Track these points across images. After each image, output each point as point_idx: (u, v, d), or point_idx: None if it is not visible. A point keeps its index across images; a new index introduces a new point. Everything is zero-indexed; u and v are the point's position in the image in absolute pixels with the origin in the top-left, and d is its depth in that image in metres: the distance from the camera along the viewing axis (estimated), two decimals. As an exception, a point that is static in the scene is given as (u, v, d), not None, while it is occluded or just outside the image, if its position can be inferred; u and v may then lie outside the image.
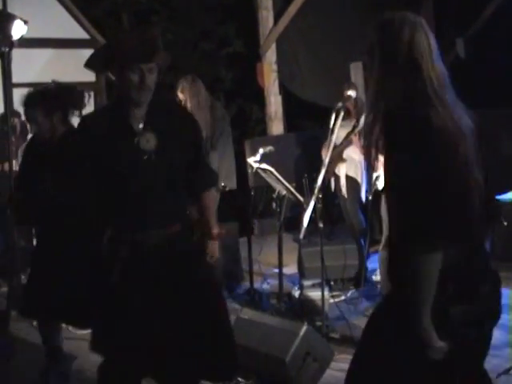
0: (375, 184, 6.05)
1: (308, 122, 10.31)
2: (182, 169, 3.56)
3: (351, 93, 6.61)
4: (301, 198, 5.48)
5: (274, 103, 8.91)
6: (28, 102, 4.51)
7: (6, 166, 6.87)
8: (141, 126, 3.44)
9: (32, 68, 7.04)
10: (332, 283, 6.45)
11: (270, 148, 5.71)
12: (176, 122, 3.58)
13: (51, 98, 4.51)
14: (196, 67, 10.59)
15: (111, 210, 3.52)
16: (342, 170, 6.36)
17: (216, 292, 3.80)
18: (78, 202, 3.71)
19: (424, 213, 2.34)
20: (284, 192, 5.58)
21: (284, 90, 9.04)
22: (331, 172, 6.99)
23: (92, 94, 8.62)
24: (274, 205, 5.64)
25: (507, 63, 10.04)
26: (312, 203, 4.92)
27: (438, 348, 2.44)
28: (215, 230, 3.79)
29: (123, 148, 3.44)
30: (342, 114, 5.38)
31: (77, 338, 5.13)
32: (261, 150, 5.66)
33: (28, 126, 6.99)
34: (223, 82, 10.49)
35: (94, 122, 3.59)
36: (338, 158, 6.74)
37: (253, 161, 5.59)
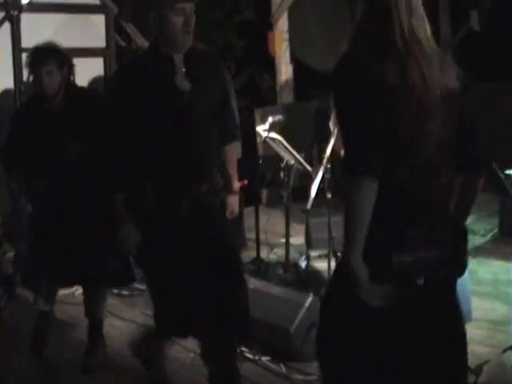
0: None
1: (318, 92, 10.22)
2: (213, 117, 3.54)
3: None
4: (309, 168, 5.44)
5: (285, 72, 8.83)
6: (39, 52, 4.35)
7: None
8: (183, 69, 3.39)
9: (42, 33, 6.93)
10: (339, 254, 6.41)
11: (279, 117, 5.66)
12: (208, 70, 3.55)
13: (61, 52, 4.41)
14: (206, 35, 10.52)
15: (151, 161, 3.45)
16: None
17: (236, 255, 3.85)
18: (116, 154, 3.58)
19: (356, 145, 2.29)
20: (292, 162, 5.54)
21: (295, 59, 8.96)
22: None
23: (101, 60, 8.57)
24: (282, 174, 5.59)
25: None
26: (320, 173, 4.88)
27: (371, 290, 2.31)
28: (236, 185, 3.79)
29: (166, 94, 3.40)
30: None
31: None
32: (270, 119, 5.60)
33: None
34: (234, 50, 10.41)
35: (133, 71, 3.53)
36: None
37: (262, 129, 5.54)
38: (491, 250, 6.60)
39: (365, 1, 2.49)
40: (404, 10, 2.42)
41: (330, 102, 6.73)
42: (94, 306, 4.71)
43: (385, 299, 2.35)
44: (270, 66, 9.30)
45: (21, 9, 5.96)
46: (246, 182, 5.46)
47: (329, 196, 5.17)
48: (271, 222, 7.03)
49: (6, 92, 7.48)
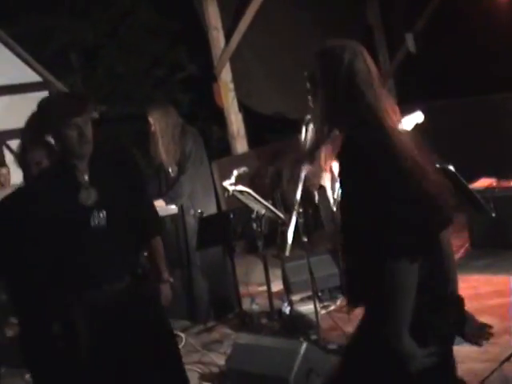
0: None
1: (270, 136, 10.34)
2: (126, 219, 3.63)
3: None
4: (281, 215, 5.47)
5: (235, 122, 8.87)
6: (32, 140, 4.01)
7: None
8: (86, 177, 3.53)
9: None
10: (320, 294, 6.43)
11: (244, 169, 5.68)
12: (116, 170, 3.67)
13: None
14: (150, 94, 10.57)
15: (59, 272, 3.51)
16: (327, 181, 6.18)
17: (172, 340, 3.92)
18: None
19: (400, 227, 2.39)
20: (263, 211, 5.56)
21: (243, 108, 9.03)
22: (317, 184, 6.93)
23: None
24: (254, 225, 5.61)
25: (455, 55, 10.19)
26: (294, 219, 4.90)
27: (421, 357, 2.44)
28: (166, 274, 3.91)
29: (66, 205, 3.51)
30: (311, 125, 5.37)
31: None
32: (235, 172, 5.63)
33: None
34: (181, 107, 10.46)
35: (36, 188, 3.62)
36: (319, 169, 6.68)
37: (228, 184, 5.56)
38: (465, 265, 6.66)
39: (327, 83, 2.60)
40: (369, 86, 2.56)
41: (284, 144, 6.81)
42: None
43: (430, 359, 2.54)
44: (219, 117, 9.36)
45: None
46: None
47: (305, 239, 5.18)
48: (247, 272, 7.02)
49: None
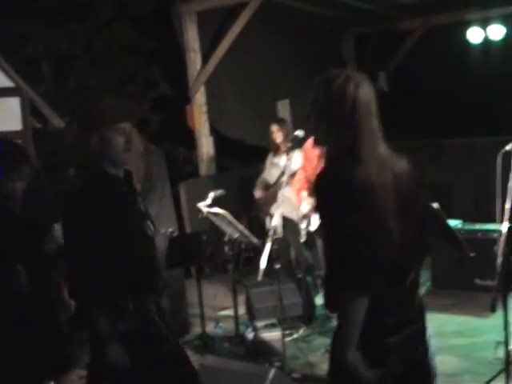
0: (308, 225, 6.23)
1: (236, 161, 10.36)
2: None
3: (282, 129, 6.88)
4: (255, 240, 5.47)
5: (206, 144, 8.88)
6: (15, 160, 4.00)
7: None
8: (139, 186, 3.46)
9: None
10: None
11: (220, 191, 5.68)
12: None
13: (26, 156, 4.14)
14: (119, 111, 10.46)
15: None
16: (277, 210, 6.18)
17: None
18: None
19: (348, 264, 2.51)
20: (236, 235, 5.56)
21: (214, 131, 9.04)
22: (266, 211, 7.01)
23: (20, 142, 8.44)
24: (226, 248, 5.61)
25: (427, 94, 10.39)
26: (269, 245, 4.93)
27: (369, 376, 2.56)
28: None
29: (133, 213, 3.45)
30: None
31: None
32: (211, 194, 5.63)
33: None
34: (150, 125, 10.43)
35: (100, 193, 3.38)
36: (272, 198, 6.76)
37: (203, 205, 5.55)
38: (427, 303, 6.70)
39: (330, 112, 2.67)
40: (368, 114, 2.63)
41: (250, 170, 6.86)
42: None
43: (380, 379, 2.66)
44: (187, 138, 9.36)
45: None
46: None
47: (277, 266, 5.20)
48: (209, 295, 6.99)
49: None
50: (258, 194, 7.30)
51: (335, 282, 2.62)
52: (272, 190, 6.95)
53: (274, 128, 7.12)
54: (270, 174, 7.17)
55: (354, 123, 2.63)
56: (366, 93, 2.69)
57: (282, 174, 6.38)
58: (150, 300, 3.40)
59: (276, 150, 7.22)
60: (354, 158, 2.60)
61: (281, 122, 7.29)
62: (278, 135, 7.09)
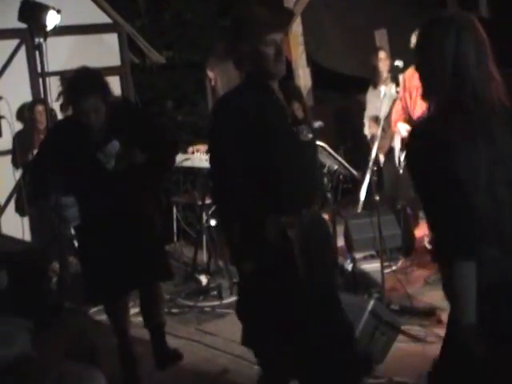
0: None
1: (334, 93, 10.24)
2: None
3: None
4: (354, 172, 5.41)
5: (303, 76, 8.80)
6: (82, 84, 4.09)
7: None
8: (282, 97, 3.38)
9: (58, 56, 6.94)
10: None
11: (319, 123, 5.59)
12: None
13: (102, 81, 4.21)
14: (214, 45, 10.48)
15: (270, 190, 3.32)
16: (396, 143, 6.06)
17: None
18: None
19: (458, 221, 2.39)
20: (335, 166, 5.50)
21: (311, 62, 8.95)
22: (386, 146, 6.87)
23: (118, 78, 8.58)
24: (325, 180, 5.56)
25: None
26: (368, 177, 4.87)
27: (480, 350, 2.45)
28: None
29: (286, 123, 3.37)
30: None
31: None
32: (310, 125, 5.56)
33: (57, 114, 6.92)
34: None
35: (240, 102, 3.34)
36: (389, 131, 6.63)
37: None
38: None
39: (432, 59, 2.54)
40: (474, 61, 2.48)
41: (349, 101, 6.75)
42: (153, 309, 4.60)
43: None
44: (287, 70, 9.28)
45: (46, 36, 5.96)
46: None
47: (377, 198, 5.14)
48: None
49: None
50: (373, 129, 7.14)
51: (447, 249, 2.44)
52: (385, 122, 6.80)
53: (382, 55, 7.02)
54: (376, 107, 7.02)
55: (457, 74, 2.49)
56: (468, 36, 2.53)
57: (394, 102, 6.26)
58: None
59: (376, 83, 7.11)
60: (459, 110, 2.46)
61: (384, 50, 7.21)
62: (385, 63, 6.99)
